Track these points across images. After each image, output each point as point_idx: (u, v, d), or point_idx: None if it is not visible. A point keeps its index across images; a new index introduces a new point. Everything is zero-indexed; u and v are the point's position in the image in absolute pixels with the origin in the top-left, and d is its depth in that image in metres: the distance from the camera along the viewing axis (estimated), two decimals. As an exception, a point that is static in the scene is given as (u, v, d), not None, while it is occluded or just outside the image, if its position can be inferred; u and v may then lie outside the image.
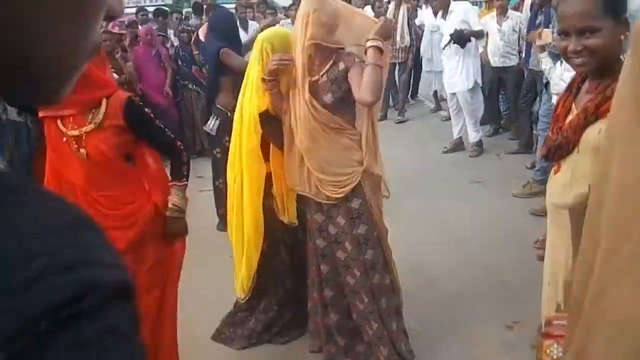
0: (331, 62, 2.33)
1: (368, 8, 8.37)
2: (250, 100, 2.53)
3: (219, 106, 4.16)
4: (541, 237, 3.44)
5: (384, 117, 7.86)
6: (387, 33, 2.29)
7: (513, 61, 5.82)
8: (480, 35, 5.76)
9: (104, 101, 1.99)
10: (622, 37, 1.54)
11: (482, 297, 3.19)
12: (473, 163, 5.75)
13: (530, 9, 5.63)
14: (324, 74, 2.32)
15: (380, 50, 2.21)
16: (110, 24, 5.69)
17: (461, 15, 5.73)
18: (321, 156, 2.40)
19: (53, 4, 0.36)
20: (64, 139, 2.02)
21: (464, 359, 2.76)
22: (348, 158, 2.40)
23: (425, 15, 7.71)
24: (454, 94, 5.92)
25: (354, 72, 2.26)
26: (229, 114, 4.07)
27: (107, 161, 2.04)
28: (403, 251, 3.77)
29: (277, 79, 2.37)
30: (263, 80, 2.39)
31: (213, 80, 4.23)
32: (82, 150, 2.00)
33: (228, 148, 2.99)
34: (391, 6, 7.63)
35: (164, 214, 2.14)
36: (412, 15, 7.66)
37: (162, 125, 2.13)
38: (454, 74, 5.80)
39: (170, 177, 2.20)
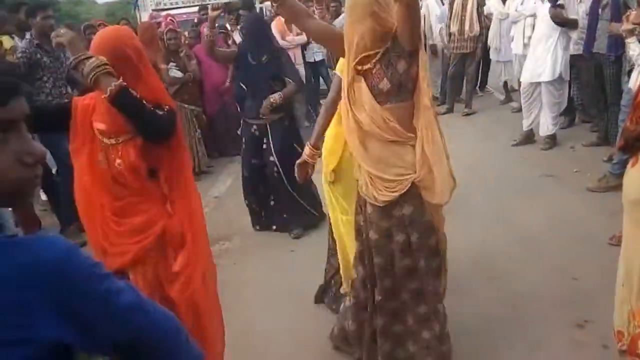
0: (383, 48, 2.14)
1: None
2: None
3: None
4: (617, 233, 3.23)
5: (450, 110, 7.67)
6: None
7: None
8: (573, 24, 5.24)
9: None
10: None
11: (550, 296, 3.01)
12: (545, 156, 5.45)
13: None
14: (376, 61, 2.14)
15: None
16: (164, 22, 5.85)
17: None
18: (373, 148, 2.20)
19: None
20: (105, 149, 2.05)
21: (529, 357, 2.61)
22: (400, 160, 2.18)
23: (493, 3, 7.40)
24: (533, 83, 5.57)
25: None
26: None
27: (135, 171, 2.03)
28: (466, 246, 3.66)
29: None
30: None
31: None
32: (119, 161, 2.02)
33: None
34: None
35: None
36: (481, 2, 7.36)
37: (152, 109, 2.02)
38: (541, 63, 5.41)
39: None
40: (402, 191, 2.17)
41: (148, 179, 2.08)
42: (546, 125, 5.62)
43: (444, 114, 7.62)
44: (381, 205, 2.21)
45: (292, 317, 3.11)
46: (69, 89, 4.65)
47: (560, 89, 5.55)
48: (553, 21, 5.16)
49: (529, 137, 5.84)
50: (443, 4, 8.01)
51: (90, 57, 1.90)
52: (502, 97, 7.95)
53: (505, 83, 7.76)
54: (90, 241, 2.17)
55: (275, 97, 4.01)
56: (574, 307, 2.87)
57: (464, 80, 7.67)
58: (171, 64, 5.69)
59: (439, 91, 8.36)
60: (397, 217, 2.22)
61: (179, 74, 5.72)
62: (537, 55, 5.45)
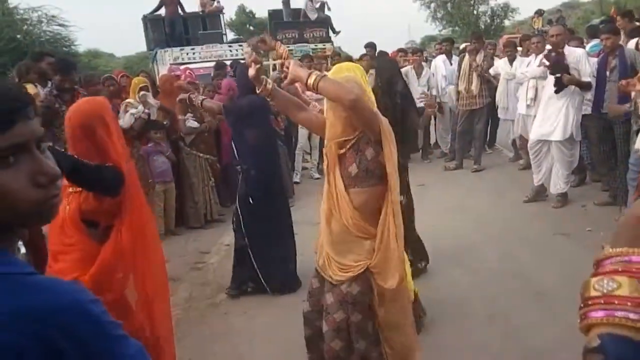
0: (354, 135, 2.33)
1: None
2: None
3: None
4: (634, 292, 3.21)
5: (459, 166, 7.76)
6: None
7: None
8: (586, 87, 5.31)
9: None
10: None
11: (567, 354, 2.94)
12: (556, 214, 5.46)
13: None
14: (350, 146, 2.32)
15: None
16: (184, 75, 6.05)
17: (572, 61, 5.33)
18: (336, 230, 2.37)
19: None
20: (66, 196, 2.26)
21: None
22: (359, 248, 2.35)
23: (500, 64, 7.64)
24: (542, 140, 5.61)
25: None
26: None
27: (72, 220, 2.28)
28: (480, 301, 3.63)
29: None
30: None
31: None
32: (67, 207, 2.26)
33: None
34: (467, 54, 7.64)
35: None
36: (489, 62, 7.61)
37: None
38: (552, 122, 5.44)
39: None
40: (355, 274, 2.31)
41: (85, 230, 2.32)
42: (558, 184, 5.65)
43: (453, 169, 7.73)
44: (334, 283, 2.36)
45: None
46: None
47: (572, 148, 5.60)
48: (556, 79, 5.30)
49: (540, 193, 5.88)
50: (451, 64, 8.26)
51: None
52: (511, 155, 8.05)
53: (514, 141, 7.88)
54: None
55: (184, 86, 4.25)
56: (593, 367, 2.81)
57: (473, 137, 7.82)
58: (189, 114, 5.85)
59: (448, 147, 8.50)
60: (344, 293, 2.32)
61: (195, 124, 5.86)
62: (548, 114, 5.49)
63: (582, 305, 0.75)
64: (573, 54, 5.39)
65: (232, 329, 3.64)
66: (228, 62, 9.05)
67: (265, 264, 4.01)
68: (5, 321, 0.76)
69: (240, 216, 4.02)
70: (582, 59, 5.33)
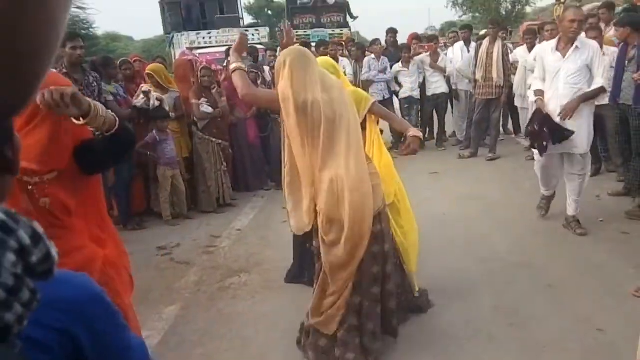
0: None
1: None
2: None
3: None
4: (642, 285, 3.18)
5: (474, 154, 7.70)
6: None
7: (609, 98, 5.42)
8: (601, 93, 4.50)
9: None
10: None
11: (574, 346, 2.95)
12: (569, 204, 5.40)
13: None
14: None
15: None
16: (205, 61, 6.10)
17: (587, 56, 4.37)
18: None
19: None
20: (29, 187, 1.83)
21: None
22: None
23: (519, 52, 7.52)
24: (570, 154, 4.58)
25: None
26: None
27: (65, 210, 1.88)
28: (487, 290, 3.63)
29: None
30: None
31: None
32: (44, 199, 1.84)
33: None
34: (485, 42, 7.53)
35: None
36: (505, 51, 7.50)
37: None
38: (578, 133, 4.39)
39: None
40: None
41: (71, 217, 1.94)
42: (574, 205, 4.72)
43: (468, 157, 7.66)
44: None
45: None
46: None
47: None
48: None
49: (550, 200, 5.03)
50: (468, 52, 8.17)
51: None
52: (527, 144, 7.94)
53: (530, 130, 7.77)
54: None
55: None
56: (599, 359, 2.80)
57: (489, 126, 7.74)
58: (203, 99, 5.87)
59: (463, 135, 8.43)
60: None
61: (209, 110, 5.89)
62: (569, 125, 4.37)
63: None
64: (591, 46, 4.44)
65: (239, 313, 3.69)
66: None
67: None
68: (36, 314, 0.70)
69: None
70: (598, 54, 4.41)
